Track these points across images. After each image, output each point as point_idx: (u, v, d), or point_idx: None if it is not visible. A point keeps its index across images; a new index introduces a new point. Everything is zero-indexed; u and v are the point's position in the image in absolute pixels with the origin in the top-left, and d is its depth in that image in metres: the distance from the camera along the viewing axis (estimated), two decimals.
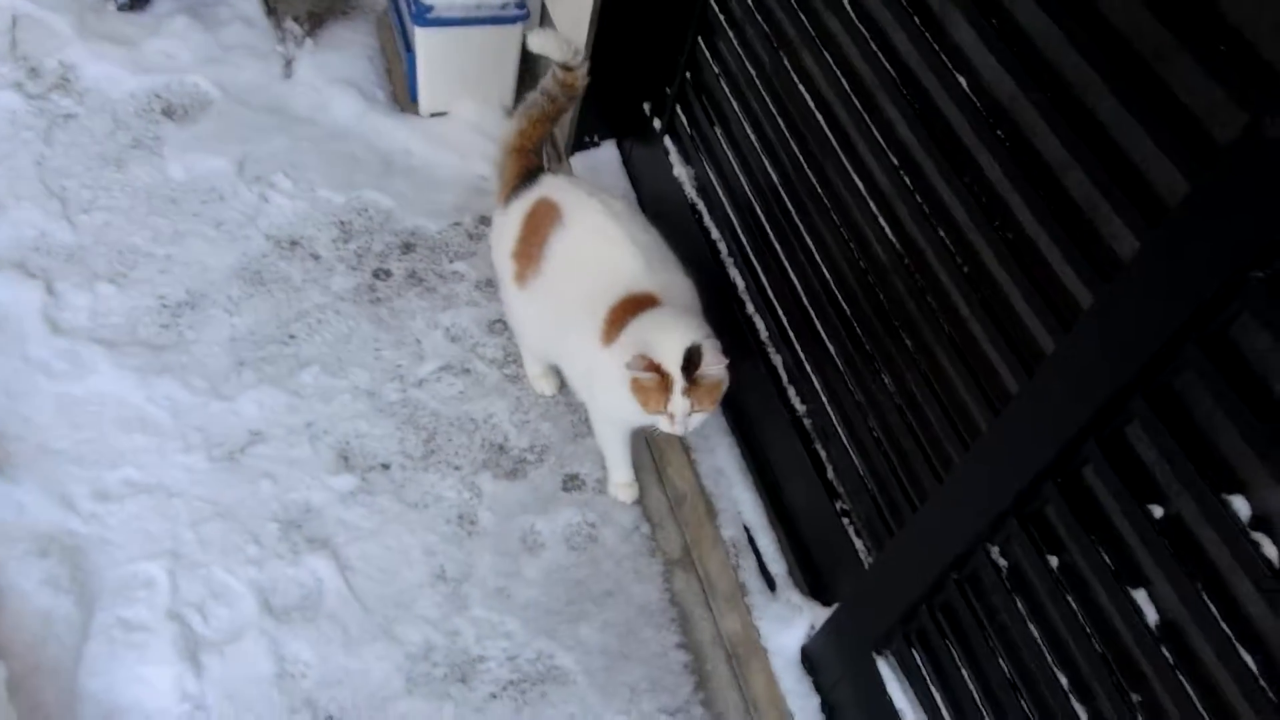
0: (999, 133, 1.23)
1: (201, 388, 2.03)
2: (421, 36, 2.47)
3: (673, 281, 1.78)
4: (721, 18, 1.93)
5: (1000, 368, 1.29)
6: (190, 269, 2.22)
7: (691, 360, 1.59)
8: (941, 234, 1.36)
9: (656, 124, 2.24)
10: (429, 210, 2.45)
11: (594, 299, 1.75)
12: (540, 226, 1.84)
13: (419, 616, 1.83)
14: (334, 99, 2.61)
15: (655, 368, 1.60)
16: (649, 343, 1.62)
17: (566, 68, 1.89)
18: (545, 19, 2.64)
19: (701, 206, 2.09)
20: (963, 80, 1.28)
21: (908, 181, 1.42)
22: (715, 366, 1.60)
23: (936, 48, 1.32)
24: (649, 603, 1.94)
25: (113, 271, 2.18)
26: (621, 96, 2.33)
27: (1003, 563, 1.27)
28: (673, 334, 1.61)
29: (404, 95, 2.70)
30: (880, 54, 1.44)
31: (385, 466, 2.01)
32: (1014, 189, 1.20)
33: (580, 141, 2.44)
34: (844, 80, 1.55)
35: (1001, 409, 1.24)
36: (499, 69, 2.62)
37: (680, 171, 2.15)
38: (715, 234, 2.04)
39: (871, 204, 1.52)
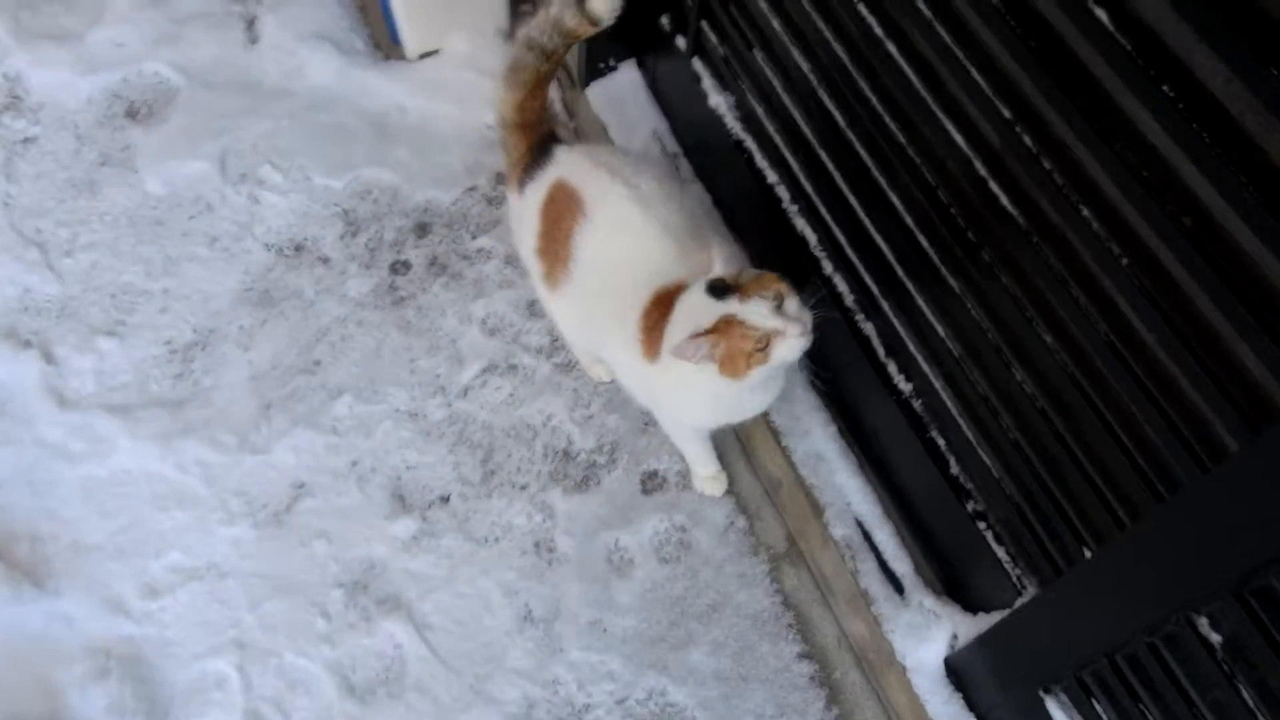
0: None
1: (231, 444, 1.84)
2: None
3: (709, 255, 1.43)
4: None
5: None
6: (192, 301, 1.99)
7: (725, 284, 1.28)
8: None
9: (680, 42, 1.86)
10: (437, 178, 2.14)
11: (625, 306, 1.46)
12: (562, 219, 1.53)
13: (511, 670, 1.67)
14: (308, 60, 2.27)
15: (718, 328, 1.27)
16: (690, 320, 1.31)
17: (587, 14, 1.50)
18: None
19: (750, 144, 1.74)
20: None
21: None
22: (747, 270, 1.32)
23: None
24: (760, 611, 1.74)
25: (110, 321, 1.96)
26: (634, 8, 1.94)
27: (1214, 637, 1.01)
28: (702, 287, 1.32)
29: (385, 37, 2.34)
30: None
31: (444, 500, 1.81)
32: None
33: (594, 68, 2.08)
34: None
35: (1217, 459, 0.95)
36: None
37: (717, 100, 1.79)
38: (771, 178, 1.70)
39: (957, 135, 1.19)
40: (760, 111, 1.67)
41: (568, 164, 1.56)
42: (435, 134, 2.20)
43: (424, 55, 2.29)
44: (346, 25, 2.34)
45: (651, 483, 1.83)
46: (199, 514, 1.77)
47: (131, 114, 2.21)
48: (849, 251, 1.54)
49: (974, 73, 1.16)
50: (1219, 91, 0.88)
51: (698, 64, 1.82)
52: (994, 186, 1.19)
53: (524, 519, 1.80)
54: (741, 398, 1.42)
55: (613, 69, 2.08)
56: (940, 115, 1.23)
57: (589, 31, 1.52)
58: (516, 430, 1.88)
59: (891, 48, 1.28)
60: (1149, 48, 0.94)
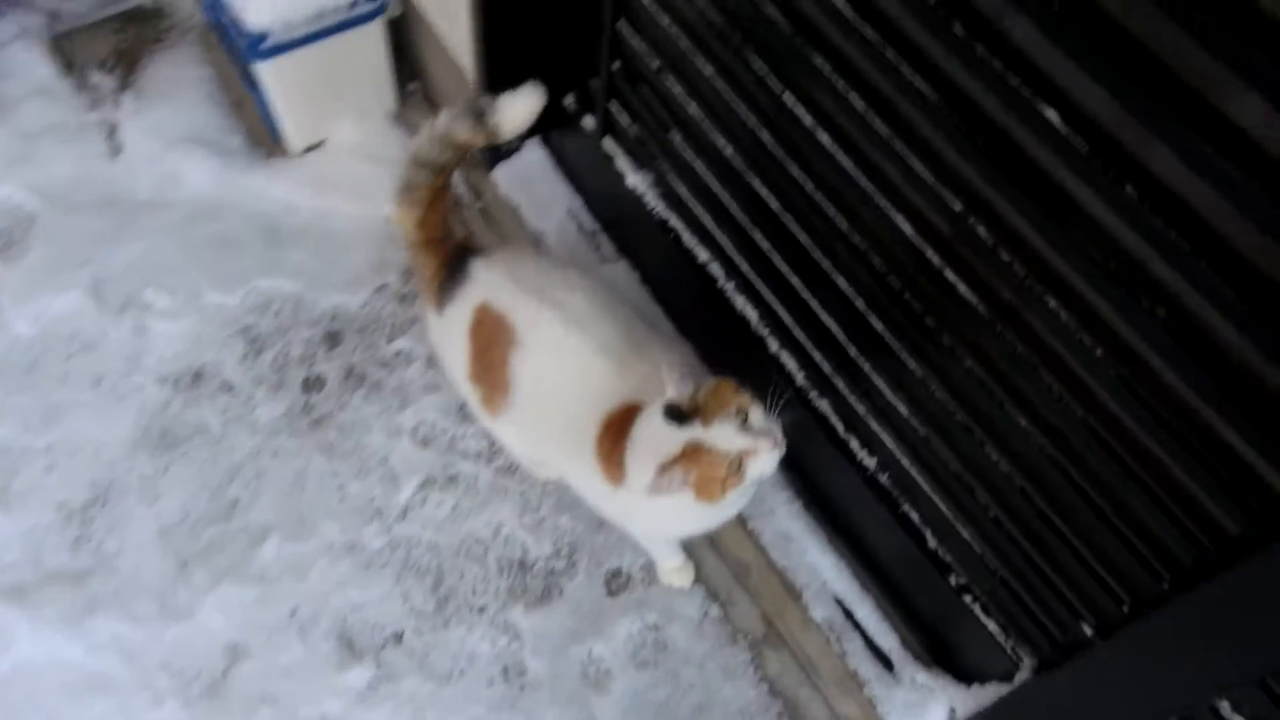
0: None
1: (148, 613, 1.65)
2: (265, 71, 1.94)
3: (654, 367, 1.33)
4: None
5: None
6: (82, 455, 1.79)
7: (683, 408, 1.18)
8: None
9: (589, 122, 1.77)
10: (342, 280, 2.00)
11: (575, 432, 1.36)
12: (493, 346, 1.41)
13: None
14: (181, 167, 2.09)
15: (685, 455, 1.17)
16: (653, 450, 1.21)
17: (478, 116, 1.40)
18: (409, 17, 2.09)
19: (676, 223, 1.66)
20: None
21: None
22: (690, 387, 1.20)
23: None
24: (747, 704, 1.64)
25: None
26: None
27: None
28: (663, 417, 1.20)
29: (263, 132, 2.18)
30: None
31: (398, 638, 1.66)
32: None
33: (498, 150, 1.97)
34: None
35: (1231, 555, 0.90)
36: (369, 74, 2.10)
37: (635, 180, 1.70)
38: (702, 256, 1.62)
39: (904, 223, 1.13)
40: (683, 192, 1.59)
41: (489, 284, 1.43)
42: (333, 233, 2.05)
43: (309, 149, 2.15)
44: (219, 124, 2.17)
45: (616, 583, 1.72)
46: (121, 700, 1.58)
47: None
48: (795, 330, 1.48)
49: (917, 164, 1.10)
50: (1183, 189, 0.83)
51: (609, 144, 1.74)
52: (949, 274, 1.13)
53: (487, 645, 1.66)
54: (719, 510, 1.33)
55: (516, 150, 1.97)
56: (883, 203, 1.17)
57: (486, 143, 1.42)
58: (466, 547, 1.74)
59: (824, 137, 1.22)
60: (1105, 147, 0.89)
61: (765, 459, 1.17)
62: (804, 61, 1.19)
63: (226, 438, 1.82)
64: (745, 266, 1.52)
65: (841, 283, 1.32)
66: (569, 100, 1.80)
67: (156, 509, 1.75)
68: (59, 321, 1.91)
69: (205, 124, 2.16)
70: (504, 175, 1.97)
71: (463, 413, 1.85)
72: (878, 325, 1.29)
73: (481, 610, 1.69)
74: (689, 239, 1.63)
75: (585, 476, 1.38)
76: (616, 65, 1.58)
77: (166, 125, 2.14)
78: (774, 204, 1.37)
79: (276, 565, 1.70)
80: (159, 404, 1.84)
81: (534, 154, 1.97)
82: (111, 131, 2.14)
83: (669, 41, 1.42)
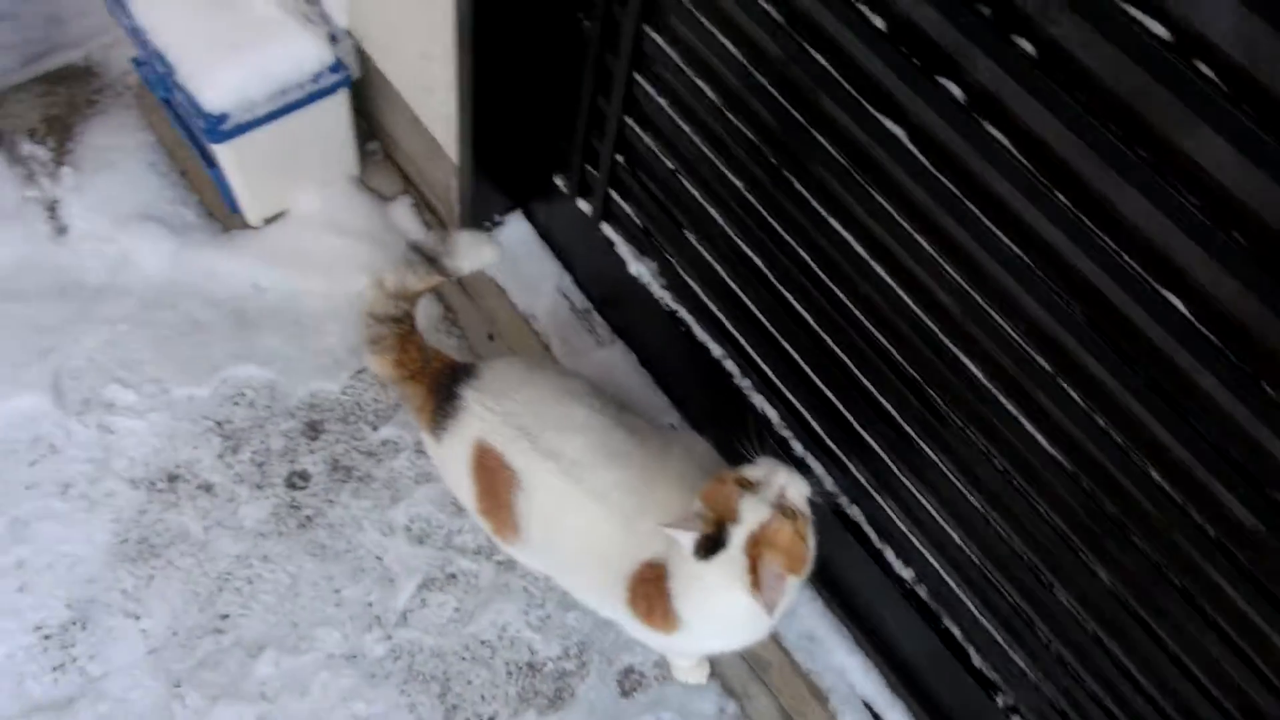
0: None
1: None
2: (225, 152, 1.84)
3: (677, 491, 1.30)
4: (652, 89, 1.40)
5: None
6: (57, 570, 1.70)
7: (708, 536, 1.15)
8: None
9: (585, 207, 1.72)
10: (319, 365, 1.93)
11: (603, 586, 1.35)
12: (497, 486, 1.37)
13: None
14: (133, 246, 1.98)
15: (753, 554, 1.14)
16: (715, 586, 1.19)
17: (431, 261, 1.36)
18: (368, 81, 2.00)
19: (686, 315, 1.63)
20: None
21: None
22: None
23: None
24: None
25: None
26: (518, 167, 1.79)
27: None
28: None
29: (218, 203, 2.07)
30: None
31: None
32: None
33: (479, 227, 1.91)
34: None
35: None
36: (332, 143, 2.01)
37: (639, 269, 1.67)
38: (716, 351, 1.60)
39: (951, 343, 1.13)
40: (695, 285, 1.56)
41: (482, 419, 1.36)
42: (304, 313, 1.97)
43: (269, 220, 2.05)
44: (169, 196, 2.06)
45: (629, 681, 1.72)
46: None
47: None
48: (822, 434, 1.47)
49: (951, 268, 1.10)
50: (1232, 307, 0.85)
51: (608, 229, 1.70)
52: (1003, 400, 1.14)
53: None
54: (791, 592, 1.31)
55: (498, 224, 1.92)
56: (923, 315, 1.17)
57: (445, 281, 1.41)
58: (471, 650, 1.72)
59: (853, 241, 1.21)
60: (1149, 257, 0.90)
61: (792, 481, 1.17)
62: (826, 165, 1.18)
63: (210, 544, 1.75)
64: (764, 364, 1.51)
65: (876, 391, 1.32)
66: (560, 181, 1.75)
67: (142, 625, 1.67)
68: (18, 425, 1.80)
69: (154, 197, 2.04)
70: None
71: (458, 505, 1.81)
72: (919, 440, 1.29)
73: (492, 719, 1.67)
74: (700, 332, 1.61)
75: (618, 614, 1.37)
76: (620, 158, 1.54)
77: (112, 200, 2.01)
78: (796, 303, 1.36)
79: (275, 681, 1.65)
80: (134, 510, 1.76)
81: (517, 229, 1.92)
82: (53, 209, 2.01)
83: (682, 141, 1.39)
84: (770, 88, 1.19)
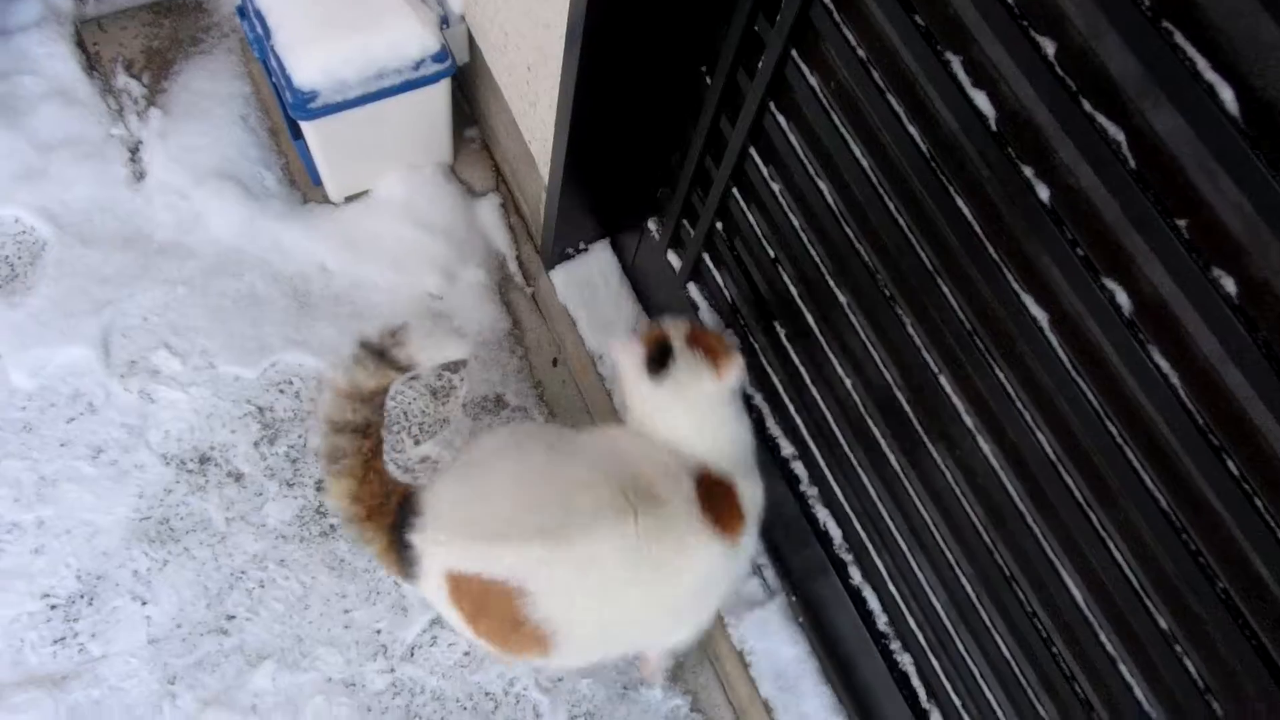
0: None
1: None
2: (310, 130, 1.73)
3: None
4: (765, 168, 1.23)
5: None
6: (75, 537, 1.65)
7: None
8: None
9: (674, 260, 1.57)
10: None
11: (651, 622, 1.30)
12: (497, 608, 1.20)
13: None
14: (208, 206, 1.89)
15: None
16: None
17: (379, 355, 1.22)
18: (475, 68, 1.86)
19: (760, 401, 1.48)
20: None
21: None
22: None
23: None
24: None
25: None
26: (611, 199, 1.64)
27: None
28: None
29: (301, 170, 1.97)
30: None
31: None
32: None
33: (561, 251, 1.77)
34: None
35: None
36: (426, 131, 1.89)
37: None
38: (787, 450, 1.45)
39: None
40: (776, 377, 1.40)
41: (448, 550, 1.21)
42: (366, 304, 1.87)
43: (350, 198, 1.94)
44: (253, 155, 1.97)
45: None
46: None
47: None
48: (886, 573, 1.32)
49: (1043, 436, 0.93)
50: None
51: (695, 291, 1.54)
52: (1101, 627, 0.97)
53: None
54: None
55: (583, 250, 1.77)
56: (1017, 494, 1.01)
57: (403, 377, 1.28)
58: (474, 701, 1.63)
59: (963, 409, 1.04)
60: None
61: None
62: (943, 315, 1.01)
63: (230, 537, 1.68)
64: (835, 483, 1.35)
65: (949, 557, 1.16)
66: (654, 225, 1.59)
67: (148, 611, 1.62)
68: (61, 377, 1.75)
69: (238, 154, 1.95)
70: (563, 280, 1.77)
71: None
72: (989, 617, 1.13)
73: None
74: (773, 425, 1.46)
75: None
76: (719, 225, 1.38)
77: (196, 152, 1.93)
78: (881, 435, 1.20)
79: (270, 696, 1.59)
80: (161, 488, 1.70)
81: (601, 257, 1.77)
82: (135, 151, 1.94)
83: (788, 232, 1.22)
84: (900, 216, 1.01)
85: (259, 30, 1.68)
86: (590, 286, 1.77)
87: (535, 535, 1.16)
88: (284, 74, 1.64)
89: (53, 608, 1.61)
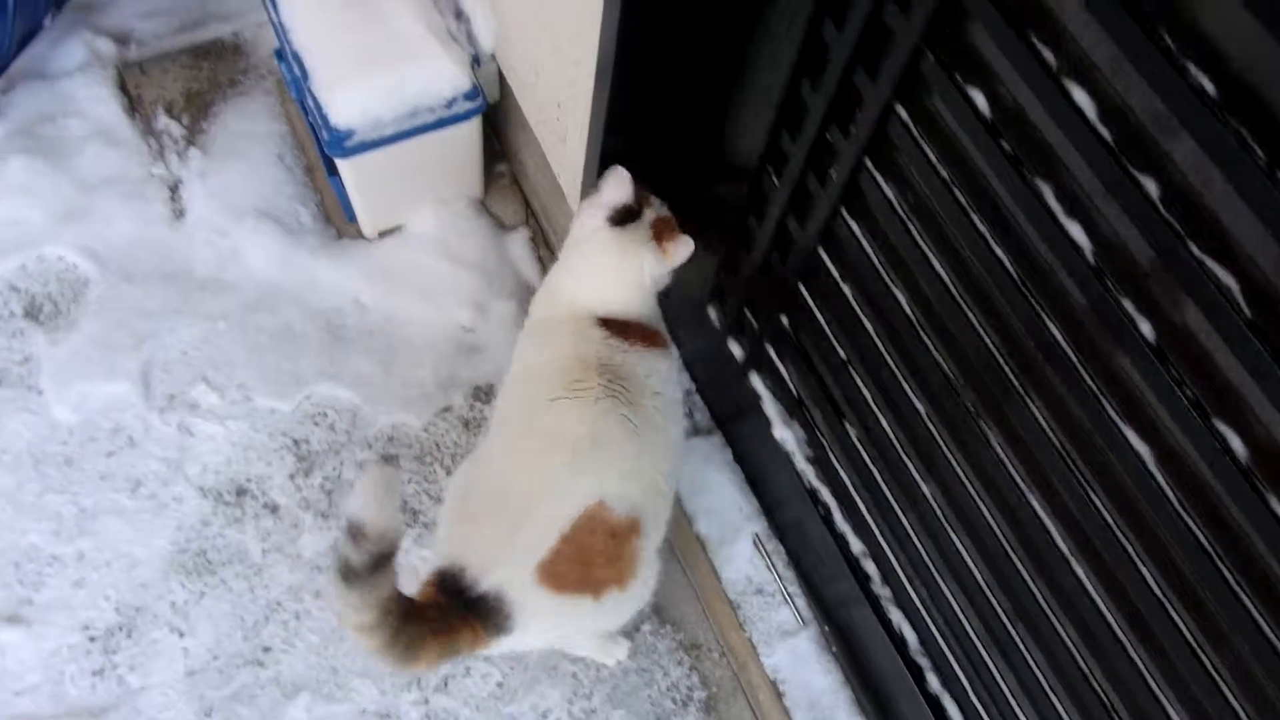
0: None
1: None
2: (346, 167, 1.77)
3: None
4: (836, 269, 1.22)
5: None
6: (114, 570, 1.67)
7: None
8: None
9: (735, 349, 1.55)
10: (405, 397, 1.85)
11: None
12: (605, 547, 1.26)
13: None
14: (246, 242, 1.93)
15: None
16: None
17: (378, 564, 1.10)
18: (505, 105, 1.89)
19: (828, 496, 1.46)
20: None
21: None
22: None
23: None
24: None
25: (15, 601, 1.64)
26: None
27: None
28: None
29: (336, 207, 2.01)
30: None
31: None
32: None
33: None
34: None
35: None
36: (458, 167, 1.92)
37: (784, 434, 1.48)
38: (856, 547, 1.43)
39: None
40: (845, 474, 1.38)
41: (526, 544, 1.23)
42: (400, 338, 1.90)
43: (384, 233, 1.98)
44: (290, 193, 2.01)
45: None
46: None
47: (32, 313, 1.86)
48: (965, 678, 1.28)
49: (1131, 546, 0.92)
50: None
51: (757, 381, 1.52)
52: None
53: None
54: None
55: None
56: (1112, 617, 0.98)
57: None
58: None
59: (1052, 528, 1.01)
60: None
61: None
62: (1037, 441, 0.98)
63: (266, 569, 1.70)
64: (910, 584, 1.33)
65: (1031, 663, 1.13)
66: (712, 312, 1.59)
67: (185, 643, 1.64)
68: (103, 412, 1.78)
69: (275, 192, 1.99)
70: None
71: None
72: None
73: None
74: (841, 521, 1.43)
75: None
76: (784, 318, 1.38)
77: (234, 190, 1.98)
78: (960, 543, 1.17)
79: None
80: (199, 520, 1.72)
81: None
82: (175, 190, 1.99)
83: (861, 333, 1.20)
84: (984, 333, 0.99)
85: (297, 72, 1.73)
86: None
87: (568, 456, 1.24)
88: (321, 113, 1.68)
89: (92, 640, 1.63)
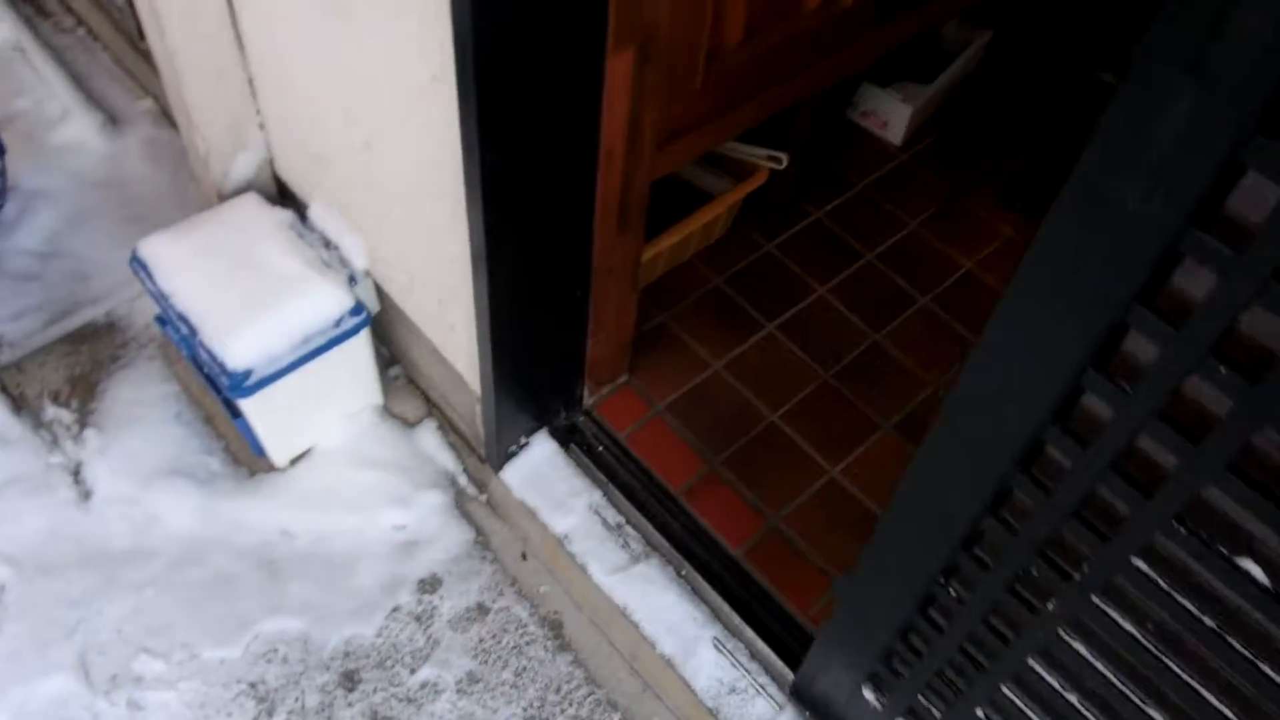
0: None
1: None
2: (250, 405, 1.84)
3: None
4: None
5: None
6: None
7: None
8: None
9: (871, 698, 1.47)
10: (352, 608, 1.87)
11: None
12: None
13: None
14: (159, 505, 1.95)
15: None
16: None
17: None
18: (387, 313, 2.03)
19: None
20: None
21: None
22: None
23: None
24: None
25: None
26: (541, 388, 1.79)
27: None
28: None
29: (243, 447, 2.06)
30: None
31: None
32: None
33: (504, 452, 1.89)
34: None
35: None
36: (355, 379, 2.02)
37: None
38: None
39: None
40: None
41: None
42: (335, 553, 1.93)
43: (295, 460, 2.03)
44: (194, 445, 2.05)
45: None
46: None
47: None
48: None
49: None
50: None
51: None
52: None
53: None
54: None
55: (524, 445, 1.90)
56: None
57: None
58: None
59: None
60: None
61: None
62: None
63: None
64: None
65: None
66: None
67: None
68: (46, 711, 1.72)
69: (179, 448, 2.03)
70: (514, 477, 1.88)
71: None
72: None
73: None
74: None
75: None
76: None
77: (136, 457, 2.00)
78: None
79: None
80: None
81: (543, 448, 1.90)
82: (77, 473, 2.00)
83: None
84: None
85: (184, 331, 1.81)
86: (540, 475, 1.88)
87: None
88: (217, 362, 1.76)
89: None
